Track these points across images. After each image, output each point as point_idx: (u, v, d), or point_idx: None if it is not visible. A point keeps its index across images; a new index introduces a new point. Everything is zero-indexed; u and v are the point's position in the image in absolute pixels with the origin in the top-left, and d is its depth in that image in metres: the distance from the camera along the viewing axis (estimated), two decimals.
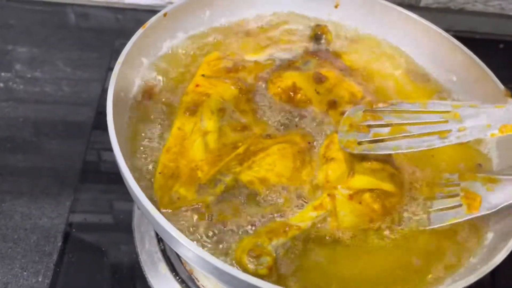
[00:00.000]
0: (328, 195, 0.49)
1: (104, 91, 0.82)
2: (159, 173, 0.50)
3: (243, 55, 0.64)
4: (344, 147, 0.50)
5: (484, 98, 0.59)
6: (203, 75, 0.58)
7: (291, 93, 0.58)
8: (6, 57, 0.87)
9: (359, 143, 0.50)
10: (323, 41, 0.67)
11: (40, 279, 0.59)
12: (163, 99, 0.58)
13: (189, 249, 0.40)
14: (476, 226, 0.50)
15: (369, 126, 0.50)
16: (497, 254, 0.43)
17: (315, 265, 0.46)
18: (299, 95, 0.57)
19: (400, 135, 0.49)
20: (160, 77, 0.60)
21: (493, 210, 0.46)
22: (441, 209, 0.49)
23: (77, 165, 0.72)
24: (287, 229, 0.46)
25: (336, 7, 0.69)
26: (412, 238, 0.49)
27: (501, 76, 0.59)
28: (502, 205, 0.46)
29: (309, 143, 0.53)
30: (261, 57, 0.64)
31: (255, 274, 0.42)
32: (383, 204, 0.48)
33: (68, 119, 0.79)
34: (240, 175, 0.49)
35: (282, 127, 0.55)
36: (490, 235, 0.49)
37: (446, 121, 0.48)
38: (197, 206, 0.47)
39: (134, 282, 0.60)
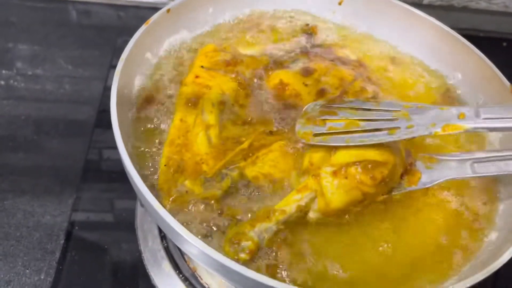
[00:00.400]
0: (313, 176, 0.48)
1: (106, 89, 0.82)
2: (165, 165, 0.49)
3: (238, 48, 0.63)
4: (301, 138, 0.51)
5: (489, 95, 0.59)
6: (202, 67, 0.58)
7: (280, 90, 0.58)
8: (7, 55, 0.87)
9: (315, 135, 0.51)
10: (312, 39, 0.67)
11: (42, 277, 0.59)
12: (166, 97, 0.58)
13: (194, 246, 0.39)
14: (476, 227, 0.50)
15: (325, 120, 0.52)
16: (502, 254, 0.43)
17: (305, 250, 0.46)
18: (287, 91, 0.58)
19: (354, 129, 0.50)
20: (163, 75, 0.59)
21: (429, 185, 0.49)
22: None
23: (79, 163, 0.72)
24: (270, 214, 0.46)
25: (340, 3, 0.69)
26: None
27: (505, 74, 0.58)
28: (438, 181, 0.49)
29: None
30: (256, 52, 0.64)
31: (238, 261, 0.42)
32: (373, 175, 0.47)
33: (69, 118, 0.79)
34: (245, 170, 0.50)
35: (281, 123, 0.55)
36: (494, 235, 0.49)
37: (397, 119, 0.50)
38: (206, 200, 0.47)
39: (137, 280, 0.60)
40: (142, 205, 0.62)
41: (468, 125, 0.46)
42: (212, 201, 0.47)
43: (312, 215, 0.48)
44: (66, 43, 0.90)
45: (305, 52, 0.65)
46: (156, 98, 0.57)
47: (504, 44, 1.00)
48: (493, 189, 0.53)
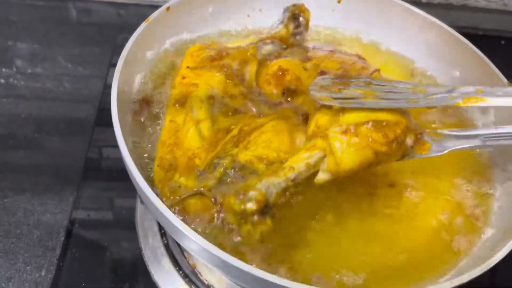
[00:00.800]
0: (321, 137, 0.46)
1: (106, 87, 0.82)
2: (157, 166, 0.49)
3: (225, 43, 0.63)
4: (318, 99, 0.50)
5: None
6: (188, 67, 0.58)
7: (280, 76, 0.57)
8: (7, 53, 0.87)
9: (335, 99, 0.49)
10: (301, 19, 0.66)
11: (43, 274, 0.59)
12: (166, 95, 0.58)
13: (194, 241, 0.39)
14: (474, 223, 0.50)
15: (340, 89, 0.51)
16: (499, 250, 0.43)
17: (316, 213, 0.46)
18: (287, 76, 0.57)
19: (370, 97, 0.49)
20: (163, 73, 0.60)
21: (440, 153, 0.49)
22: None
23: (79, 162, 0.72)
24: (278, 170, 0.45)
25: (339, 1, 0.69)
26: None
27: (503, 72, 0.59)
28: (450, 149, 0.49)
29: (302, 115, 0.53)
30: (243, 43, 0.63)
31: (246, 212, 0.42)
32: (385, 133, 0.45)
33: (69, 116, 0.79)
34: (237, 156, 0.49)
35: (271, 106, 0.55)
36: (490, 231, 0.50)
37: (413, 93, 0.50)
38: (199, 191, 0.47)
39: (137, 277, 0.60)
40: (142, 202, 0.63)
41: (491, 98, 0.46)
42: (206, 191, 0.46)
43: (322, 176, 0.46)
44: (66, 41, 0.90)
45: (298, 44, 0.65)
46: (156, 96, 0.58)
47: (503, 42, 1.00)
48: (489, 186, 0.54)
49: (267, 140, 0.50)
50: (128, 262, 0.61)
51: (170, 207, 0.44)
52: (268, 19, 0.69)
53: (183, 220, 0.43)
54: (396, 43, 0.68)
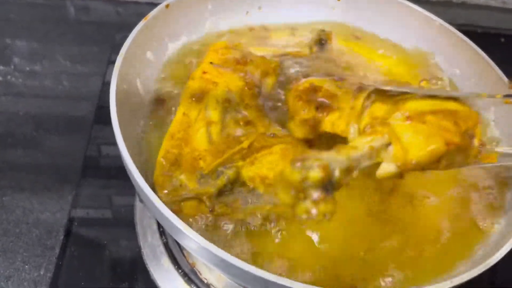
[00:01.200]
0: (381, 124, 0.41)
1: (105, 85, 0.81)
2: (162, 158, 0.49)
3: (248, 47, 0.63)
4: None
5: (487, 91, 0.59)
6: (211, 63, 0.57)
7: (312, 92, 0.53)
8: (6, 51, 0.87)
9: None
10: (326, 46, 0.67)
11: (42, 273, 0.59)
12: (165, 93, 0.58)
13: (194, 241, 0.39)
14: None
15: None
16: (501, 248, 0.43)
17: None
18: (320, 93, 0.53)
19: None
20: (162, 70, 0.60)
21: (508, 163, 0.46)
22: None
23: (78, 160, 0.72)
24: (340, 149, 0.41)
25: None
26: None
27: (503, 69, 0.59)
28: None
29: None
30: (267, 53, 0.63)
31: (308, 182, 0.38)
32: (456, 121, 0.40)
33: (68, 114, 0.79)
34: (242, 170, 0.49)
35: (284, 127, 0.55)
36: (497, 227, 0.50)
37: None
38: (199, 196, 0.47)
39: (136, 276, 0.60)
40: (141, 201, 0.63)
41: None
42: (205, 198, 0.47)
43: (386, 167, 0.41)
44: (64, 40, 0.90)
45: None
46: (155, 94, 0.57)
47: (502, 40, 1.00)
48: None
49: (273, 161, 0.49)
50: (127, 261, 0.61)
51: (167, 203, 0.43)
52: (267, 17, 0.69)
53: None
54: (395, 42, 0.68)
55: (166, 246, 0.60)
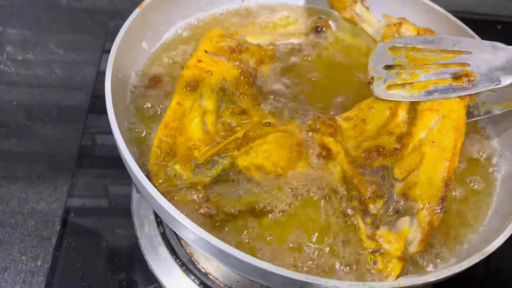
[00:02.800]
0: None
1: (99, 74, 0.81)
2: (156, 147, 0.49)
3: (244, 36, 0.62)
4: (376, 93, 0.52)
5: None
6: (206, 51, 0.57)
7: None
8: None
9: (388, 87, 0.51)
10: (322, 33, 0.66)
11: (39, 264, 0.59)
12: (160, 82, 0.57)
13: (192, 232, 0.39)
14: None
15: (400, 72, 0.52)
16: (498, 235, 0.43)
17: None
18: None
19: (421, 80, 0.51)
20: (157, 60, 0.59)
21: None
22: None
23: (73, 149, 0.71)
24: None
25: None
26: None
27: None
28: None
29: (305, 132, 0.53)
30: (263, 41, 0.63)
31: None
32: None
33: (62, 103, 0.78)
34: (237, 159, 0.49)
35: (279, 116, 0.55)
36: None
37: (468, 64, 0.50)
38: (193, 185, 0.47)
39: (134, 266, 0.60)
40: (138, 192, 0.62)
41: None
42: (199, 187, 0.47)
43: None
44: (57, 27, 0.89)
45: None
46: (149, 83, 0.57)
47: (499, 26, 0.99)
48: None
49: (268, 150, 0.50)
50: (125, 251, 0.61)
51: (162, 193, 0.43)
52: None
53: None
54: None
55: (164, 236, 0.60)
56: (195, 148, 0.49)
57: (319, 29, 0.67)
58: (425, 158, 0.47)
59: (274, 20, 0.68)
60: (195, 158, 0.49)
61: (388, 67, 0.53)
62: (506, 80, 0.47)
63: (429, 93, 0.50)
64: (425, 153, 0.48)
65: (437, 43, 0.53)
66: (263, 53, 0.60)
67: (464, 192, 0.52)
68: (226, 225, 0.46)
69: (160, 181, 0.47)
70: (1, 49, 0.84)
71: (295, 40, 0.65)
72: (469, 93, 0.49)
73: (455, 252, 0.47)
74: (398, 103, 0.52)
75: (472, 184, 0.53)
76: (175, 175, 0.47)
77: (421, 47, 0.53)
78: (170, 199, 0.45)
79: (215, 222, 0.46)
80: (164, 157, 0.48)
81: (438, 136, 0.48)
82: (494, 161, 0.55)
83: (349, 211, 0.47)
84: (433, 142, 0.48)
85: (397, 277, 0.43)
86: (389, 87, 0.52)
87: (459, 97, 0.50)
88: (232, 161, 0.49)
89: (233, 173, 0.49)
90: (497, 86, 0.48)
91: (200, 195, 0.46)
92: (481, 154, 0.55)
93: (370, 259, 0.44)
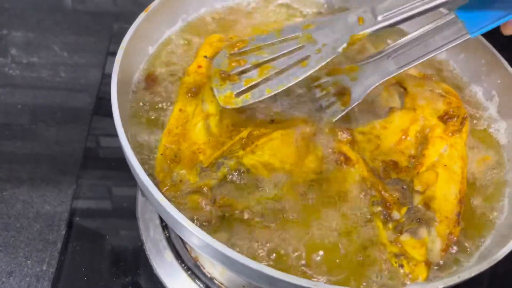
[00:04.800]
0: None
1: (104, 77, 0.81)
2: (161, 154, 0.49)
3: (244, 36, 0.62)
4: (224, 105, 0.50)
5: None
6: (205, 56, 0.57)
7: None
8: (1, 42, 0.85)
9: (236, 95, 0.49)
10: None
11: (44, 268, 0.59)
12: (165, 86, 0.57)
13: (199, 237, 0.39)
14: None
15: (239, 73, 0.50)
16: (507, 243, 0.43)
17: None
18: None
19: (269, 74, 0.49)
20: (162, 63, 0.58)
21: (360, 100, 0.50)
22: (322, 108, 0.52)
23: (78, 152, 0.71)
24: None
25: None
26: None
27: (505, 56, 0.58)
28: (367, 92, 0.50)
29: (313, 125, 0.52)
30: None
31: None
32: None
33: (66, 106, 0.78)
34: (243, 159, 0.48)
35: (285, 112, 0.54)
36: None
37: (302, 47, 0.48)
38: (199, 189, 0.46)
39: (139, 270, 0.60)
40: (143, 195, 0.62)
41: (369, 29, 0.45)
42: (206, 190, 0.46)
43: None
44: (61, 30, 0.89)
45: None
46: (155, 87, 0.56)
47: None
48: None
49: (274, 148, 0.49)
50: (130, 255, 0.61)
51: (169, 199, 0.43)
52: None
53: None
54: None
55: (169, 240, 0.59)
56: (200, 152, 0.49)
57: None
58: (439, 177, 0.49)
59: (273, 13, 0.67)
60: (200, 162, 0.48)
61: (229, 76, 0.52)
62: (340, 47, 0.47)
63: (279, 82, 0.49)
64: (439, 173, 0.49)
65: (273, 37, 0.52)
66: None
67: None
68: (233, 228, 0.45)
69: (166, 188, 0.47)
70: (5, 52, 0.84)
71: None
72: (315, 69, 0.48)
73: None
74: (409, 127, 0.53)
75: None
76: (180, 181, 0.47)
77: (260, 44, 0.51)
78: (177, 204, 0.45)
79: (222, 224, 0.45)
80: (169, 164, 0.48)
81: (448, 161, 0.50)
82: None
83: (368, 216, 0.47)
84: (444, 165, 0.50)
85: (425, 280, 0.43)
86: (238, 94, 0.50)
87: (460, 134, 0.52)
88: (238, 161, 0.48)
89: (241, 173, 0.48)
90: (336, 54, 0.47)
91: (207, 198, 0.46)
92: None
93: (395, 262, 0.44)
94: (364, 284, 0.43)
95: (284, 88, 0.48)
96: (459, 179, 0.49)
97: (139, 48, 0.56)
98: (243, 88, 0.49)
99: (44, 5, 0.93)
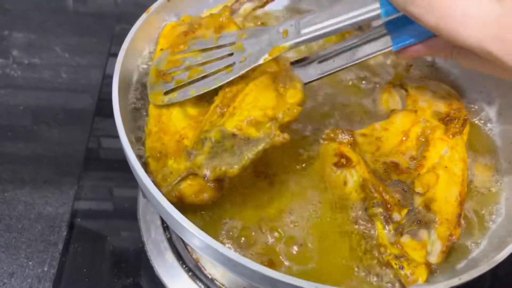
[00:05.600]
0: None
1: (105, 77, 0.81)
2: (148, 157, 0.48)
3: (199, 14, 0.62)
4: (152, 101, 0.51)
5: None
6: (161, 50, 0.55)
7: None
8: (3, 43, 0.86)
9: (165, 93, 0.50)
10: None
11: (46, 269, 0.59)
12: None
13: (200, 239, 0.39)
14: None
15: (172, 74, 0.51)
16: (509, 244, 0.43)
17: None
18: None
19: (198, 76, 0.50)
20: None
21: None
22: None
23: (80, 153, 0.71)
24: None
25: None
26: None
27: None
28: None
29: (291, 63, 0.52)
30: (216, 10, 0.61)
31: None
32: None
33: (68, 107, 0.78)
34: (225, 126, 0.46)
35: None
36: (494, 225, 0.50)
37: (232, 54, 0.50)
38: (189, 172, 0.45)
39: (141, 271, 0.60)
40: (144, 196, 0.62)
41: (290, 42, 0.46)
42: (196, 169, 0.44)
43: None
44: (62, 31, 0.89)
45: None
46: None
47: None
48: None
49: (252, 101, 0.47)
50: (131, 256, 0.61)
51: (166, 195, 0.42)
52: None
53: (183, 208, 0.42)
54: None
55: (170, 241, 0.60)
56: (183, 139, 0.48)
57: None
58: (440, 179, 0.49)
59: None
60: (186, 147, 0.47)
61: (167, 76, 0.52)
62: (262, 57, 0.47)
63: (204, 84, 0.50)
64: (440, 175, 0.49)
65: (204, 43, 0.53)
66: (217, 19, 0.57)
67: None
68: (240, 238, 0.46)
69: (160, 185, 0.46)
70: (7, 53, 0.84)
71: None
72: (236, 75, 0.48)
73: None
74: (410, 129, 0.53)
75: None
76: (171, 172, 0.46)
77: (198, 48, 0.53)
78: (177, 197, 0.45)
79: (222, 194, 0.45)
80: (158, 162, 0.47)
81: (449, 163, 0.50)
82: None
83: (366, 218, 0.47)
84: (445, 167, 0.50)
85: (425, 281, 0.43)
86: (166, 92, 0.50)
87: (461, 135, 0.52)
88: (220, 130, 0.46)
89: (228, 139, 0.45)
90: (257, 63, 0.47)
91: (201, 177, 0.44)
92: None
93: (396, 263, 0.44)
94: (365, 285, 0.43)
95: (207, 90, 0.49)
96: (460, 181, 0.49)
97: (141, 49, 0.56)
98: (172, 87, 0.50)
99: (45, 6, 0.93)
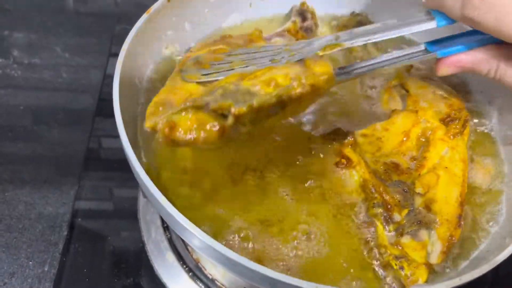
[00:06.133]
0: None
1: (106, 78, 0.81)
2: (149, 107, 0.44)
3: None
4: (187, 78, 0.47)
5: None
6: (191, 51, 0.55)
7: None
8: (3, 43, 0.86)
9: (203, 75, 0.47)
10: (309, 15, 0.65)
11: (46, 269, 0.59)
12: None
13: (199, 238, 0.39)
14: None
15: (211, 64, 0.49)
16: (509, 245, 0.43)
17: None
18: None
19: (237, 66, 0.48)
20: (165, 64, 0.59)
21: None
22: None
23: (80, 153, 0.71)
24: None
25: None
26: None
27: None
28: None
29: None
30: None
31: None
32: None
33: (69, 107, 0.78)
34: (242, 84, 0.43)
35: None
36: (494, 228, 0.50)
37: (279, 52, 0.49)
38: (191, 101, 0.42)
39: (141, 271, 0.60)
40: (144, 196, 0.62)
41: (345, 42, 0.46)
42: (199, 99, 0.42)
43: None
44: (63, 31, 0.89)
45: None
46: (158, 87, 0.56)
47: None
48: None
49: (276, 70, 0.45)
50: (131, 256, 0.61)
51: (156, 129, 0.41)
52: (270, 10, 0.67)
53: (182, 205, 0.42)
54: None
55: (170, 241, 0.60)
56: (192, 95, 0.45)
57: (301, 12, 0.65)
58: (440, 179, 0.49)
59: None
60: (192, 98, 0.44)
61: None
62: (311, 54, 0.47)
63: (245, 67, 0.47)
64: (440, 176, 0.49)
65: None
66: (249, 35, 0.56)
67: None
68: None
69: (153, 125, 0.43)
70: (7, 53, 0.84)
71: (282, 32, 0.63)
72: (282, 63, 0.46)
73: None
74: (411, 129, 0.53)
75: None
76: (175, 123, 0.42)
77: (241, 52, 0.51)
78: (168, 132, 0.41)
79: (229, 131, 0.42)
80: (157, 108, 0.44)
81: (450, 163, 0.50)
82: None
83: (366, 218, 0.47)
84: (446, 167, 0.50)
85: (425, 282, 0.43)
86: (203, 75, 0.47)
87: (461, 135, 0.53)
88: (235, 83, 0.43)
89: (240, 94, 0.42)
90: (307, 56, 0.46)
91: (201, 111, 0.42)
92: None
93: (396, 264, 0.44)
94: (365, 286, 0.43)
95: (247, 70, 0.46)
96: (460, 182, 0.49)
97: (141, 49, 0.56)
98: (209, 72, 0.48)
99: (46, 6, 0.93)
